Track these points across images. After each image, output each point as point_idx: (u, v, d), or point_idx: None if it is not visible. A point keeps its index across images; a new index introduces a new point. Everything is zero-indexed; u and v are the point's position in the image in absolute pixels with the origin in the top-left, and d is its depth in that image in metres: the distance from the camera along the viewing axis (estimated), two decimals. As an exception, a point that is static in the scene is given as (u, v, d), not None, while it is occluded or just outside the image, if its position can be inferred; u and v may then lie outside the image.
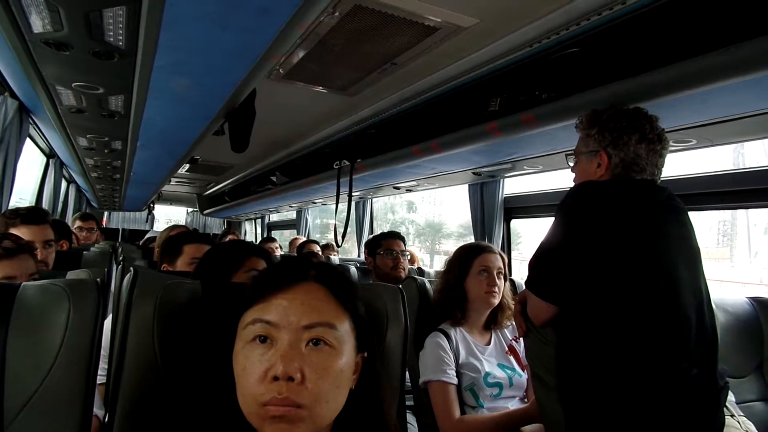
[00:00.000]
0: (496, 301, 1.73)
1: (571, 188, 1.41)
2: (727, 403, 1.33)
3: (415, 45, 1.91)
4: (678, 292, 1.22)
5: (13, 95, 2.43)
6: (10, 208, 1.99)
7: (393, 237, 2.72)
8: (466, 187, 3.53)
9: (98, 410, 1.36)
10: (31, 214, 1.85)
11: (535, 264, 1.33)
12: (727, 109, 1.60)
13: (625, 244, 1.23)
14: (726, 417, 1.29)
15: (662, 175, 1.40)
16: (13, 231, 1.74)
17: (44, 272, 1.51)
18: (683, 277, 1.24)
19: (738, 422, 1.39)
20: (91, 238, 3.79)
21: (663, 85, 1.41)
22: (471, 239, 3.51)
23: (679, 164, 1.44)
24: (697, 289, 1.27)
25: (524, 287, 1.39)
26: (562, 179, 2.83)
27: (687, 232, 1.32)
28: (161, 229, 3.29)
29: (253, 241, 8.54)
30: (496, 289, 1.72)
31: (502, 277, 1.75)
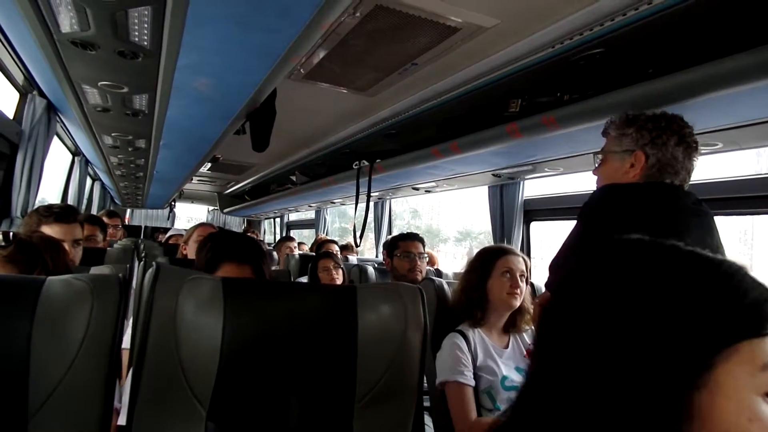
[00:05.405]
0: (517, 303, 1.71)
1: (595, 190, 1.39)
2: None
3: (436, 45, 1.90)
4: None
5: (42, 94, 2.50)
6: (43, 204, 2.03)
7: (411, 239, 2.68)
8: (464, 195, 3.51)
9: (119, 403, 1.38)
10: (64, 213, 1.88)
11: (557, 266, 1.32)
12: (755, 112, 1.56)
13: None
14: None
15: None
16: (45, 228, 1.78)
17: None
18: None
19: None
20: (116, 235, 3.87)
21: (689, 87, 1.38)
22: (466, 244, 3.49)
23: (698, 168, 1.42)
24: None
25: (544, 290, 1.37)
26: (583, 182, 2.80)
27: (713, 238, 1.29)
28: (181, 227, 3.33)
29: (273, 239, 8.63)
30: (518, 291, 1.70)
31: (524, 280, 1.74)
